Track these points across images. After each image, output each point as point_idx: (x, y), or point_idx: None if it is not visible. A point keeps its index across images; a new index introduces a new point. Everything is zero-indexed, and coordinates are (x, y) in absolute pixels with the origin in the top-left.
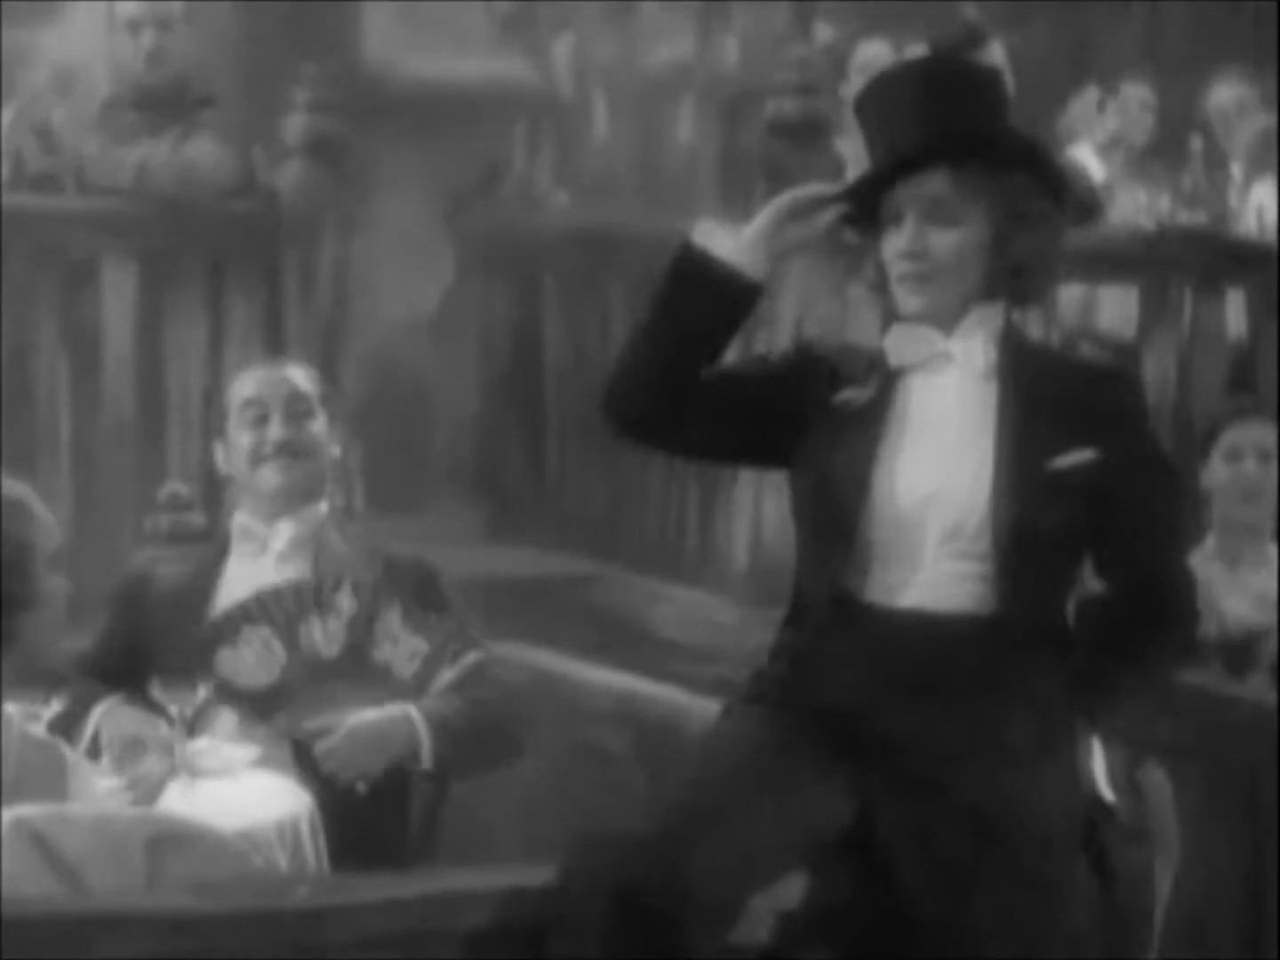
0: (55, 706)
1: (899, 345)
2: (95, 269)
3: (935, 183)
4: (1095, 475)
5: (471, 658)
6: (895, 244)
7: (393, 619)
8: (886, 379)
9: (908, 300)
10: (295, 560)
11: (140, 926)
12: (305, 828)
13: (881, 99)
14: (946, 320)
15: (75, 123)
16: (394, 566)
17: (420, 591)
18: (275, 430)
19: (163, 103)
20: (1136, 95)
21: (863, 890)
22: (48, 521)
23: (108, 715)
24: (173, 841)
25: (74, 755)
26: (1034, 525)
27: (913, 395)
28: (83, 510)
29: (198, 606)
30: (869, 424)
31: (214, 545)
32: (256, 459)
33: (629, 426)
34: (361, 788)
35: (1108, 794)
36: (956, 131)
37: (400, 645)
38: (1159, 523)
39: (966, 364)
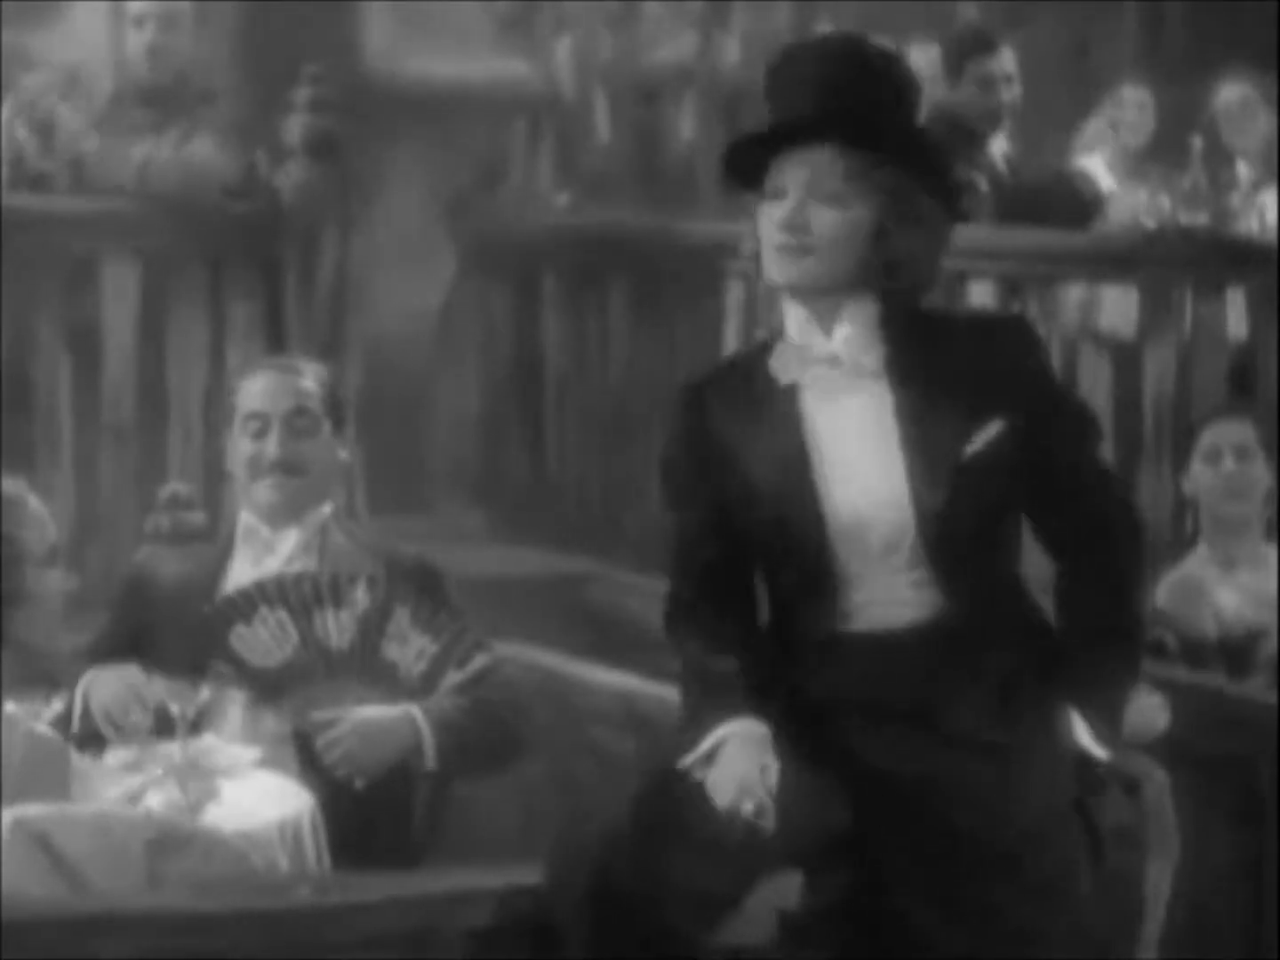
0: (56, 706)
1: (786, 363)
2: (95, 269)
3: (822, 158)
4: (1011, 441)
5: (480, 661)
6: (775, 214)
7: (403, 618)
8: (785, 398)
9: (785, 269)
10: (301, 561)
11: (140, 926)
12: (306, 827)
13: (785, 70)
14: (823, 313)
15: (77, 122)
16: (396, 565)
17: (424, 590)
18: (272, 448)
19: (164, 98)
20: (1135, 98)
21: (858, 892)
22: (42, 518)
23: (92, 684)
24: (173, 842)
25: (80, 760)
26: (958, 513)
27: (814, 412)
28: (83, 510)
29: (201, 606)
30: (788, 449)
31: (218, 544)
32: (254, 472)
33: None
34: (360, 784)
35: (1097, 751)
36: (847, 108)
37: (409, 644)
38: (1082, 463)
39: (854, 367)
